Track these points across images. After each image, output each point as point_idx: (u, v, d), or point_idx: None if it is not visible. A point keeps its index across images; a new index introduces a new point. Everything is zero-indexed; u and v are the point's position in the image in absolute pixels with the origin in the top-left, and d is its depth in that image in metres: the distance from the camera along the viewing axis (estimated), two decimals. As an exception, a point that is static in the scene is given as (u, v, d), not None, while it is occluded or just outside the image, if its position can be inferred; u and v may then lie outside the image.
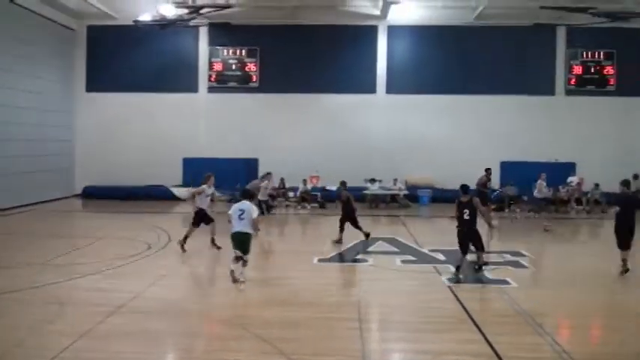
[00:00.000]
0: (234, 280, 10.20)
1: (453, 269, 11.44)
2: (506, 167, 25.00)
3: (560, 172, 24.02)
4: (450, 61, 26.12)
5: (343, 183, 16.07)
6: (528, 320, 8.59)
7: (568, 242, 16.00)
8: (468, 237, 11.34)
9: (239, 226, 10.32)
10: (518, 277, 11.17)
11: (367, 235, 15.02)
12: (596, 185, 23.22)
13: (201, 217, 13.60)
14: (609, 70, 26.34)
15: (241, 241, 10.31)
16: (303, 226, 20.02)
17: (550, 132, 26.01)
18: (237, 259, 10.30)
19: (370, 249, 14.23)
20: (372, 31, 26.31)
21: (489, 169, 20.21)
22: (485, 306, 9.36)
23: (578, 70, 26.44)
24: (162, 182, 25.56)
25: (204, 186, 13.72)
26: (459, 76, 25.96)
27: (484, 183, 19.52)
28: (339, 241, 14.72)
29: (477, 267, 11.66)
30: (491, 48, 26.00)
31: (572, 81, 26.42)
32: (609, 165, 24.16)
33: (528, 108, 26.11)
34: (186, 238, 13.43)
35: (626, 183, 12.59)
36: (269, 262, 12.73)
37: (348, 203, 15.01)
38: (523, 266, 12.55)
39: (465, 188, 11.63)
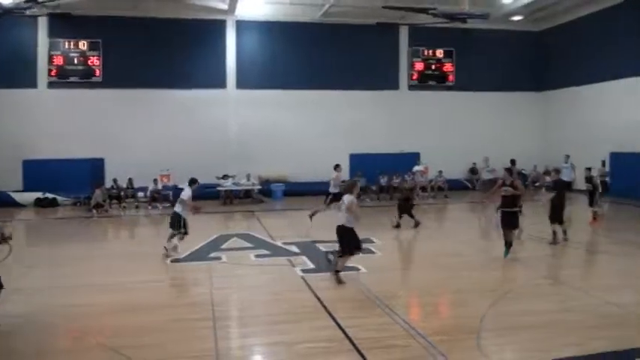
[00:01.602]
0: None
1: (306, 260, 11.54)
2: (355, 159, 25.91)
3: (406, 162, 25.40)
4: (300, 56, 26.50)
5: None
6: (378, 303, 8.91)
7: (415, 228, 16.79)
8: None
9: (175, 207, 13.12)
10: (368, 263, 11.55)
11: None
12: (440, 172, 25.12)
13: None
14: (448, 66, 28.35)
15: (172, 219, 12.92)
16: (155, 227, 19.28)
17: (396, 125, 27.42)
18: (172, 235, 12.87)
19: (224, 246, 14.02)
20: (221, 25, 25.93)
21: None
22: (337, 293, 9.57)
23: (420, 66, 28.12)
24: (1, 188, 23.27)
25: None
26: (309, 71, 26.44)
27: None
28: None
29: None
30: (339, 45, 26.74)
31: (415, 77, 28.07)
32: (451, 153, 26.33)
33: (375, 102, 27.31)
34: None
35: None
36: (116, 266, 12.05)
37: None
38: (372, 252, 13.03)
39: None
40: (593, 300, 9.16)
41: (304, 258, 12.38)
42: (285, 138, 25.87)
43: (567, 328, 7.86)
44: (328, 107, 26.63)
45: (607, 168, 22.46)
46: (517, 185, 12.20)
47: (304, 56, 26.53)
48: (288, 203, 23.31)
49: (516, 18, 27.66)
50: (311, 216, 16.77)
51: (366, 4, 24.47)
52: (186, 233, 12.91)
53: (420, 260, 12.24)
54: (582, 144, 24.73)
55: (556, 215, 13.77)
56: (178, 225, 12.78)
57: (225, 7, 24.97)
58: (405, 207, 16.52)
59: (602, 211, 16.98)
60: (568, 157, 22.70)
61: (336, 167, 17.70)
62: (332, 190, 16.88)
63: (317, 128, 26.38)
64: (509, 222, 12.12)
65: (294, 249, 13.42)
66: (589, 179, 16.99)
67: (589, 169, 17.39)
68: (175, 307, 9.00)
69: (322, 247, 13.44)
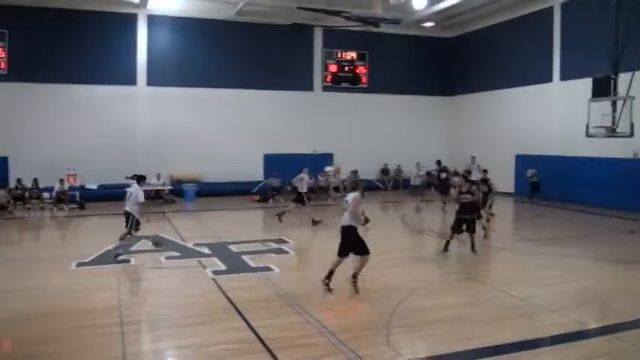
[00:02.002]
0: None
1: (218, 262, 11.42)
2: (270, 159, 25.91)
3: (320, 162, 25.66)
4: (213, 54, 26.15)
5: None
6: (290, 303, 8.97)
7: (327, 227, 16.93)
8: None
9: (126, 206, 12.47)
10: (281, 263, 11.60)
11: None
12: (354, 172, 25.49)
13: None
14: (362, 69, 28.92)
15: (126, 219, 12.40)
16: (60, 229, 18.47)
17: (310, 125, 27.63)
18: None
19: (133, 248, 13.56)
20: (132, 19, 25.06)
21: None
22: (248, 294, 9.53)
23: (333, 68, 28.53)
24: None
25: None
26: (222, 70, 26.12)
27: None
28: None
29: None
30: (254, 44, 26.59)
31: (328, 78, 28.42)
32: (363, 154, 26.81)
33: (290, 103, 27.41)
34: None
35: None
36: (18, 271, 11.42)
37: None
38: (285, 252, 13.09)
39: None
40: (498, 293, 9.70)
41: (215, 259, 12.24)
42: (198, 137, 25.40)
43: (475, 320, 8.28)
44: (242, 107, 26.41)
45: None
46: (475, 192, 12.83)
47: (218, 54, 26.21)
48: (200, 204, 22.96)
49: (428, 24, 28.58)
50: (279, 215, 17.44)
51: (280, 3, 24.45)
52: (136, 230, 12.58)
53: (333, 259, 12.33)
54: (490, 146, 26.05)
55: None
56: (129, 223, 12.40)
57: (136, 0, 24.21)
58: None
59: (487, 214, 17.68)
60: (474, 158, 23.72)
61: (302, 170, 18.16)
62: (300, 189, 17.75)
63: (231, 128, 26.08)
64: (469, 228, 12.78)
65: (206, 250, 13.27)
66: (484, 181, 17.72)
67: (485, 171, 18.25)
68: (81, 313, 8.62)
69: (234, 248, 13.37)
